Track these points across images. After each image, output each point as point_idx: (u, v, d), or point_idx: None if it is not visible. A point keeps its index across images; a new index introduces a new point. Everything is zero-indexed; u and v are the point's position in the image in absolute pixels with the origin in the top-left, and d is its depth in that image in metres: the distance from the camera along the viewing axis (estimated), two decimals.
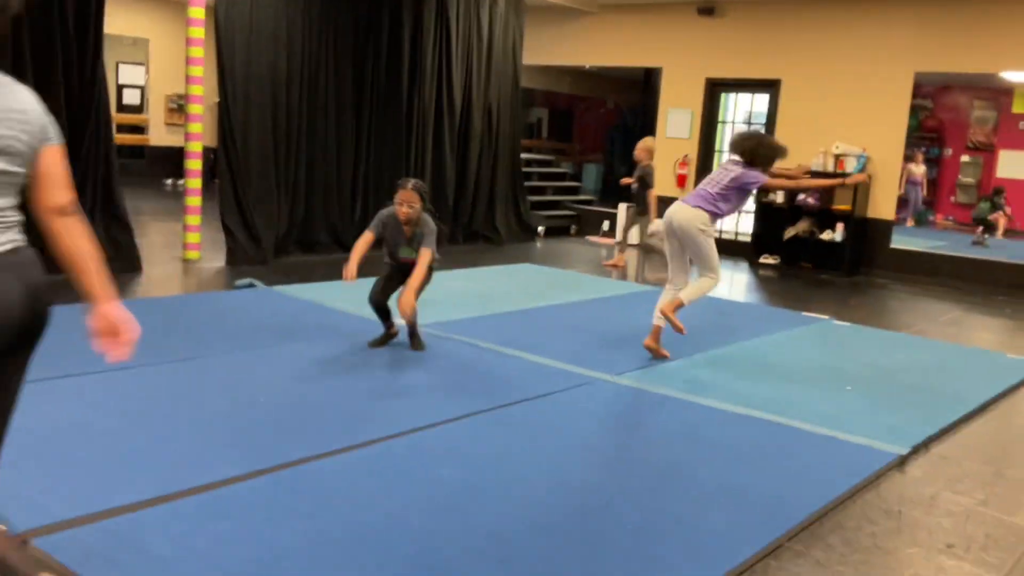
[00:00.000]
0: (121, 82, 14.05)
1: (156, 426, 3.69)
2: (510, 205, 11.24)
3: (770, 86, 10.68)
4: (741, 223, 11.36)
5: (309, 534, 2.84)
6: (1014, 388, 5.44)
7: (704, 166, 11.29)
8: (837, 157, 9.93)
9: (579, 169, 16.20)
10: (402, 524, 2.97)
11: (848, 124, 10.02)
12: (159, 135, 14.53)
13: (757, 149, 5.36)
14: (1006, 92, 13.70)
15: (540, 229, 11.71)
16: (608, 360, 5.28)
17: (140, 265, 7.18)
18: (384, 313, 5.21)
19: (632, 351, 5.53)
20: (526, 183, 11.80)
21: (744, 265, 10.47)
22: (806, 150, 9.86)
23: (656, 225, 9.74)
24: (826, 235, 10.19)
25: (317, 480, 3.28)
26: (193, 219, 7.83)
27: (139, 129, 14.38)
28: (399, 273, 5.13)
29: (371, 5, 9.01)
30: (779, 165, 5.71)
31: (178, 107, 14.15)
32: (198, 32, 7.61)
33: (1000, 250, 11.47)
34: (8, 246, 2.10)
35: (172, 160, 12.99)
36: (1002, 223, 13.04)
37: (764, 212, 10.59)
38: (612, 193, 9.28)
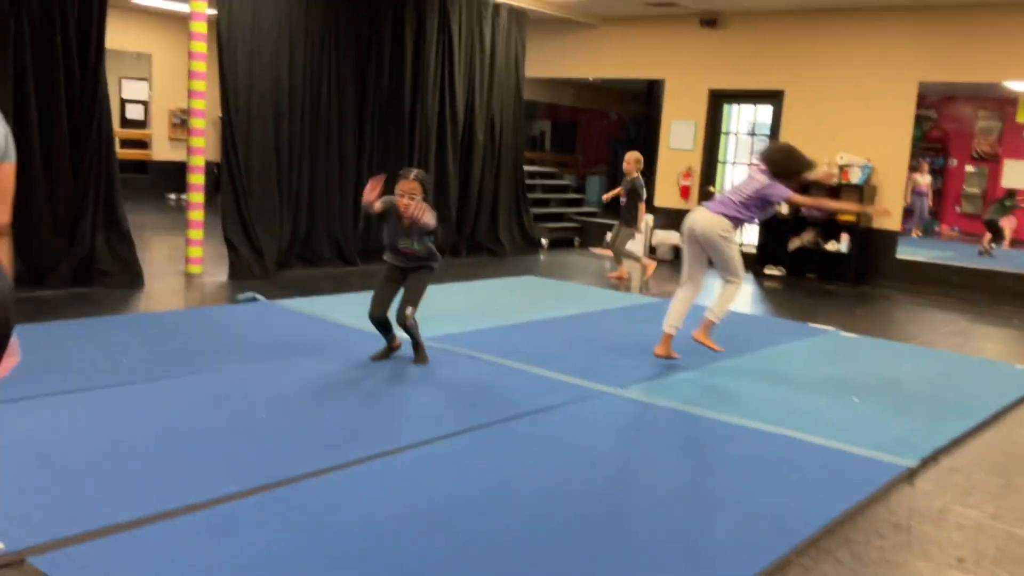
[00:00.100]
0: (124, 97, 14.10)
1: (155, 442, 3.66)
2: (513, 217, 11.23)
3: (773, 97, 10.66)
4: (746, 234, 11.31)
5: (311, 550, 2.81)
6: (1022, 399, 5.39)
7: (708, 177, 11.27)
8: (841, 167, 9.90)
9: (582, 181, 16.21)
10: (405, 540, 2.94)
11: (852, 135, 9.99)
12: (162, 150, 14.57)
13: (784, 161, 5.36)
14: (1010, 102, 13.68)
15: (543, 241, 11.69)
16: (614, 373, 5.24)
17: (142, 280, 7.16)
18: (385, 327, 5.17)
19: (638, 363, 5.49)
20: (529, 195, 11.79)
21: (749, 276, 10.43)
22: None
23: (636, 245, 9.46)
24: (831, 246, 10.16)
25: (318, 496, 3.24)
26: (195, 233, 7.83)
27: (142, 144, 14.42)
28: (398, 272, 5.11)
29: (373, 18, 9.02)
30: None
31: (181, 122, 14.19)
32: (200, 47, 7.62)
33: (1006, 260, 11.42)
34: None
35: (175, 175, 13.00)
36: (1009, 229, 12.98)
37: (769, 223, 10.48)
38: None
